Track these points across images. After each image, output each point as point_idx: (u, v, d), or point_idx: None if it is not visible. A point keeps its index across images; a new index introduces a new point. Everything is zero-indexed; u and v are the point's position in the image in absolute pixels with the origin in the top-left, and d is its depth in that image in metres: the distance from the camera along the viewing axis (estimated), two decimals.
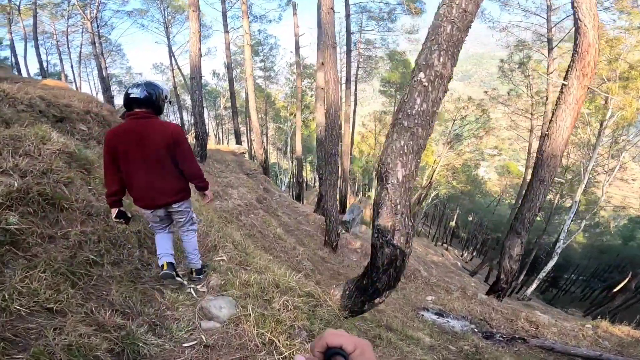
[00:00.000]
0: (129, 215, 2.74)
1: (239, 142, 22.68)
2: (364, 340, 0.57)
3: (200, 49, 9.96)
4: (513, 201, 38.05)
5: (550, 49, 14.41)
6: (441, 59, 2.92)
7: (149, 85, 2.47)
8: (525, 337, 5.94)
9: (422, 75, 2.93)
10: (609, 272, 30.03)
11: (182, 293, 2.86)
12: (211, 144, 17.17)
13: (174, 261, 2.82)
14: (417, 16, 15.76)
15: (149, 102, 2.44)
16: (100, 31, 27.13)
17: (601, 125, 15.83)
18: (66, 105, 5.88)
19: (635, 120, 15.61)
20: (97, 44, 22.50)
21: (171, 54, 25.81)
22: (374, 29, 18.55)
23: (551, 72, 14.73)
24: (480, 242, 37.01)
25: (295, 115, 29.00)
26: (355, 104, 21.94)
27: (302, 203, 20.51)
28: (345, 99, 16.86)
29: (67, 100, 6.14)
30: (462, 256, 34.20)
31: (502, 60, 19.25)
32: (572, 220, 18.56)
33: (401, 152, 2.97)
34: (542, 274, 19.02)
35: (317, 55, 13.03)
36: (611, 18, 14.49)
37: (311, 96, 30.07)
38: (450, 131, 24.59)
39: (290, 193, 37.99)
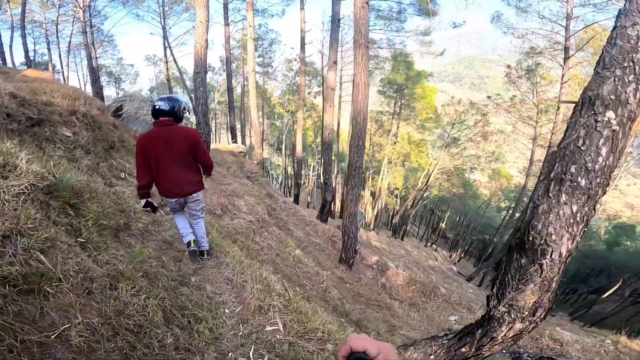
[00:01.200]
0: (156, 204, 3.03)
1: (234, 138, 21.36)
2: (388, 344, 0.56)
3: (207, 40, 8.68)
4: (502, 204, 38.16)
5: (566, 58, 13.69)
6: (638, 95, 1.92)
7: (171, 99, 2.95)
8: (553, 357, 5.52)
9: (611, 115, 1.94)
10: (595, 277, 30.17)
11: None
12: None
13: (196, 238, 3.34)
14: (431, 17, 14.81)
15: (171, 112, 2.91)
16: (92, 20, 25.20)
17: None
18: (46, 103, 4.65)
19: None
20: (88, 34, 20.68)
21: (167, 45, 24.03)
22: (382, 29, 17.44)
23: (566, 82, 14.02)
24: (469, 244, 36.74)
25: (293, 113, 27.81)
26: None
27: (298, 204, 19.45)
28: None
29: (48, 97, 4.89)
30: (450, 257, 33.85)
31: (508, 66, 18.52)
32: None
33: (571, 221, 1.99)
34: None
35: (329, 53, 11.90)
36: None
37: (308, 93, 28.86)
38: (449, 134, 23.86)
39: (283, 190, 36.92)
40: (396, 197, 27.99)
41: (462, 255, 34.72)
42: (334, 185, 34.43)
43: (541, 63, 16.96)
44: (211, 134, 33.61)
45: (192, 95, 8.93)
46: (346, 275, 8.22)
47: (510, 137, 21.30)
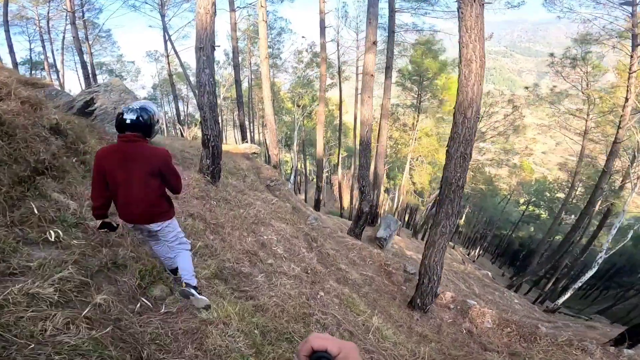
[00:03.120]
0: (115, 225, 2.54)
1: (244, 136, 18.44)
2: (350, 342, 0.54)
3: (214, 4, 5.81)
4: (522, 200, 35.26)
5: (635, 45, 10.76)
6: None
7: (143, 109, 2.37)
8: None
9: None
10: (625, 275, 27.37)
11: None
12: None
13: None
14: None
15: (140, 126, 2.35)
16: (84, 13, 22.22)
17: None
18: None
19: None
20: (77, 25, 17.77)
21: (167, 38, 20.99)
22: (409, 11, 14.31)
23: (635, 71, 11.08)
24: (488, 241, 33.96)
25: (305, 107, 24.77)
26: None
27: (319, 210, 16.62)
28: (385, 91, 12.78)
29: None
30: (469, 254, 31.13)
31: (551, 55, 15.48)
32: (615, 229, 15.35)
33: None
34: (578, 284, 15.79)
35: (366, 32, 8.94)
36: None
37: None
38: (477, 128, 20.79)
39: (294, 189, 34.05)
40: (418, 195, 25.06)
41: (481, 252, 31.96)
42: (353, 189, 31.69)
43: (591, 51, 13.94)
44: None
45: (196, 82, 6.16)
46: (425, 328, 5.46)
47: (551, 131, 18.30)
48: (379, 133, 13.39)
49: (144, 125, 2.36)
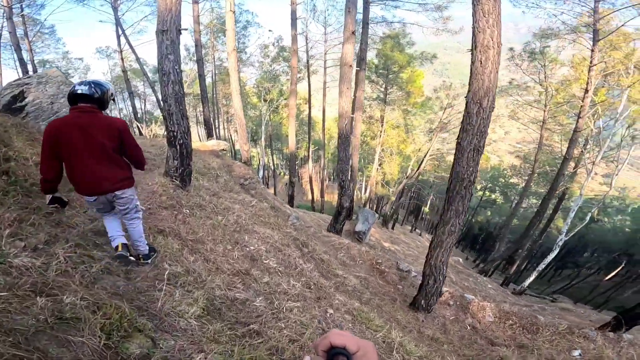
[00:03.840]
0: (65, 200, 2.50)
1: (210, 133, 17.11)
2: (368, 341, 0.54)
3: None
4: (479, 186, 36.77)
5: (596, 40, 11.14)
6: None
7: (96, 84, 2.35)
8: None
9: None
10: (577, 255, 29.49)
11: None
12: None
13: (127, 242, 2.65)
14: None
15: (94, 98, 2.31)
16: (23, 8, 19.32)
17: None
18: None
19: None
20: (16, 21, 15.36)
21: (122, 32, 18.85)
22: (383, 2, 13.75)
23: (594, 65, 11.48)
24: None
25: (272, 101, 23.67)
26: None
27: (293, 205, 15.87)
28: (359, 83, 12.21)
29: None
30: None
31: (511, 49, 15.83)
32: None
33: None
34: (541, 266, 16.58)
35: (345, 22, 8.26)
36: None
37: (287, 80, 24.75)
38: (440, 120, 21.08)
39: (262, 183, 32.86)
40: (387, 186, 25.07)
41: None
42: (324, 182, 31.08)
43: (549, 46, 14.40)
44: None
45: (158, 71, 5.11)
46: (434, 330, 5.04)
47: (500, 120, 18.93)
48: (352, 126, 12.84)
49: (98, 98, 2.33)
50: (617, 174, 14.62)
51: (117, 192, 2.45)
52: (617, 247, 23.81)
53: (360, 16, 11.43)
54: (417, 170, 23.05)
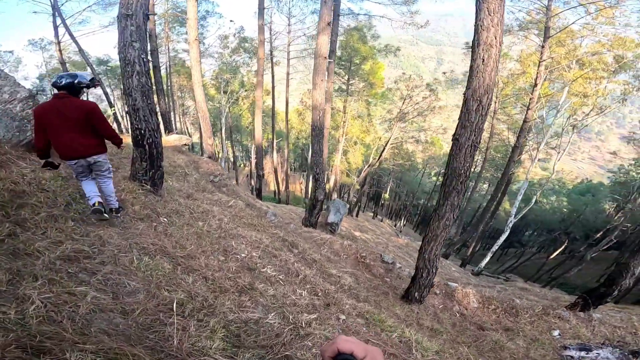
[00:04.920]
0: (57, 163, 3.13)
1: (168, 127, 15.81)
2: (375, 347, 0.53)
3: None
4: (433, 172, 38.68)
5: (546, 37, 11.89)
6: None
7: (70, 75, 3.00)
8: None
9: None
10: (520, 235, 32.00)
11: None
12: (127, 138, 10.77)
13: (102, 200, 3.16)
14: None
15: (66, 86, 2.95)
16: None
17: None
18: None
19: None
20: None
21: (62, 23, 16.46)
22: None
23: (544, 60, 12.30)
24: (411, 212, 36.55)
25: (232, 93, 22.50)
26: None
27: (261, 198, 15.32)
28: (328, 75, 11.88)
29: None
30: (395, 226, 33.21)
31: (467, 43, 16.47)
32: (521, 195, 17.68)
33: None
34: (494, 247, 17.92)
35: (320, 12, 7.83)
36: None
37: (247, 72, 23.64)
38: (400, 110, 21.57)
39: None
40: (351, 175, 25.32)
41: (405, 222, 34.38)
42: (288, 173, 30.46)
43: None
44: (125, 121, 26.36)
45: (120, 61, 4.34)
46: (431, 321, 5.09)
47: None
48: (324, 117, 12.56)
49: (70, 86, 2.96)
50: (558, 160, 16.08)
51: (94, 157, 3.09)
52: (556, 227, 26.34)
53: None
54: (379, 158, 23.52)
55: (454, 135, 4.19)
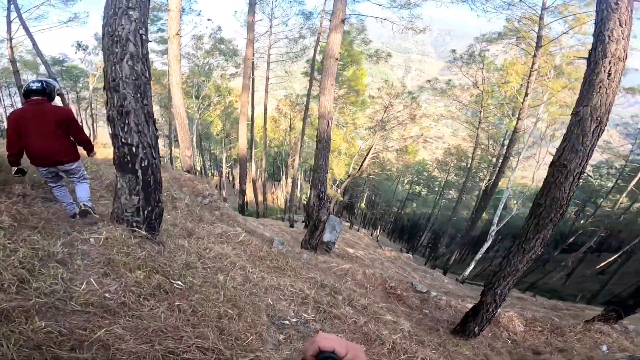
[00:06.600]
0: (25, 170, 3.07)
1: None
2: (357, 344, 0.53)
3: None
4: (406, 180, 38.83)
5: (538, 46, 11.87)
6: None
7: (46, 82, 2.97)
8: None
9: None
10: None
11: None
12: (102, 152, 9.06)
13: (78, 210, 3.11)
14: None
15: (44, 92, 2.92)
16: None
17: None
18: None
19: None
20: None
21: (16, 16, 13.84)
22: None
23: (535, 70, 12.27)
24: (389, 221, 36.25)
25: (206, 97, 20.62)
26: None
27: (244, 214, 13.76)
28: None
29: None
30: (372, 235, 32.67)
31: (453, 51, 16.33)
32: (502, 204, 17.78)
33: None
34: (478, 255, 17.80)
35: (333, 9, 6.79)
36: None
37: (221, 76, 21.82)
38: (382, 119, 21.05)
39: None
40: (334, 186, 24.33)
41: (381, 231, 34.02)
42: (266, 185, 28.70)
43: (488, 49, 15.22)
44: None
45: (102, 40, 3.01)
46: (498, 355, 4.28)
47: (442, 120, 19.80)
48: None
49: (48, 92, 2.97)
50: (538, 169, 16.30)
51: (66, 165, 3.06)
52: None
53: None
54: (359, 168, 22.81)
55: (557, 160, 3.33)
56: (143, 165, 3.06)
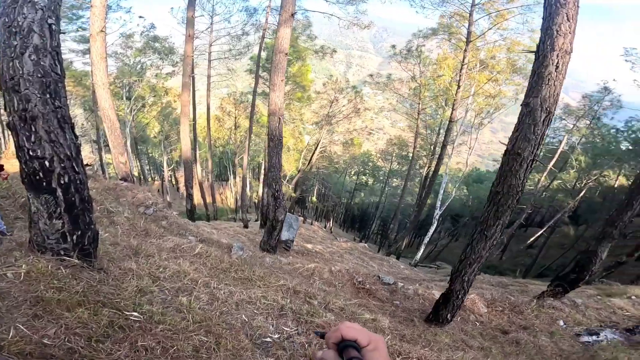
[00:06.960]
0: None
1: None
2: (378, 335, 0.53)
3: None
4: (352, 171, 39.76)
5: (468, 41, 12.79)
6: None
7: None
8: None
9: None
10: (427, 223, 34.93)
11: None
12: (14, 164, 7.45)
13: None
14: None
15: None
16: None
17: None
18: None
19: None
20: None
21: None
22: None
23: (465, 64, 13.24)
24: (340, 212, 36.76)
25: (139, 99, 18.64)
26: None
27: (194, 220, 12.78)
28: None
29: None
30: (325, 227, 32.98)
31: (393, 46, 16.90)
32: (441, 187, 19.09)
33: None
34: (426, 239, 18.96)
35: (282, 3, 6.39)
36: None
37: (156, 75, 19.88)
38: (328, 113, 21.18)
39: None
40: (285, 182, 23.87)
41: (334, 222, 34.53)
42: (213, 187, 26.97)
43: (424, 45, 16.06)
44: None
45: None
46: (472, 338, 4.45)
47: (384, 113, 20.55)
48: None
49: None
50: (470, 154, 17.76)
51: None
52: (460, 212, 29.54)
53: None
54: (309, 163, 22.73)
55: (511, 149, 3.46)
56: (62, 182, 2.44)
